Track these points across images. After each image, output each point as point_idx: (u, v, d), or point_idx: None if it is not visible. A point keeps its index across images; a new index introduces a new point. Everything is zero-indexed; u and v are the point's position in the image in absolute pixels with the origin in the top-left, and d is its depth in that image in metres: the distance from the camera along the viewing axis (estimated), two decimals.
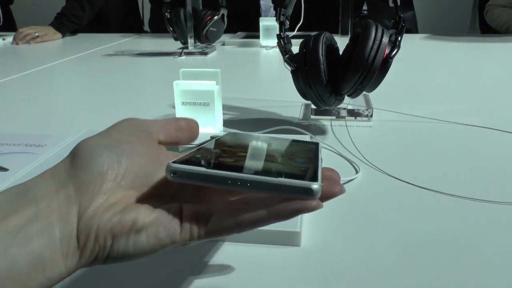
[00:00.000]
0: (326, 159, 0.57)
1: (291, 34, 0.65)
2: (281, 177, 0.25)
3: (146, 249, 0.24)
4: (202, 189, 0.28)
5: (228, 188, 0.26)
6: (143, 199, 0.26)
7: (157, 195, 0.27)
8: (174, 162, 0.26)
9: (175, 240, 0.25)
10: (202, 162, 0.27)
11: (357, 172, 0.53)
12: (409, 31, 1.68)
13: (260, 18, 1.44)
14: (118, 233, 0.24)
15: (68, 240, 0.23)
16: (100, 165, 0.25)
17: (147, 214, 0.25)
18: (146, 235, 0.24)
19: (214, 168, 0.26)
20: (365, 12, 1.60)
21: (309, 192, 0.24)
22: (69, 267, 0.23)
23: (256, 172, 0.26)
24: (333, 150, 0.59)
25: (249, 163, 0.29)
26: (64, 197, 0.24)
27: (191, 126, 0.33)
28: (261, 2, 1.97)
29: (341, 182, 0.26)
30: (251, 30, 1.66)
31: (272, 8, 2.14)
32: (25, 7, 2.25)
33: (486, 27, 1.75)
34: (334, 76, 0.59)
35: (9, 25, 1.76)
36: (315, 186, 0.25)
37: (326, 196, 0.26)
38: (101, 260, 0.24)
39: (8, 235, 0.21)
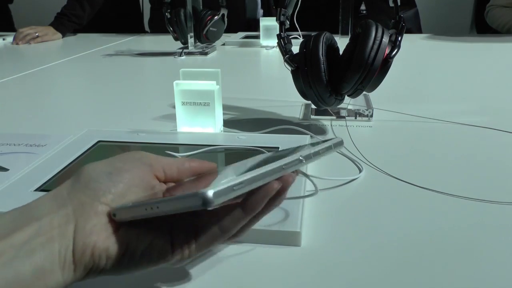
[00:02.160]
0: (328, 158, 0.57)
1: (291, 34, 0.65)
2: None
3: (139, 268, 0.27)
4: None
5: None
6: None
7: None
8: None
9: (167, 261, 0.28)
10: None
11: (360, 171, 0.53)
12: (409, 30, 1.68)
13: (260, 18, 1.44)
14: (113, 254, 0.26)
15: (65, 253, 0.25)
16: (98, 189, 0.28)
17: (141, 238, 0.27)
18: (140, 257, 0.27)
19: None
20: (364, 12, 1.60)
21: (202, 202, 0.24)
22: (66, 278, 0.25)
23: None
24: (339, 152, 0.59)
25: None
26: (63, 215, 0.26)
27: (195, 170, 0.34)
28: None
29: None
30: (240, 29, 1.67)
31: (259, 6, 2.09)
32: (24, 7, 2.25)
33: (483, 27, 1.75)
34: (334, 76, 0.59)
35: (8, 25, 1.76)
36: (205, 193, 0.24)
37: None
38: (95, 273, 0.26)
39: (14, 248, 0.24)
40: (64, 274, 0.25)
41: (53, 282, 0.25)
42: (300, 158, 0.29)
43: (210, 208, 0.24)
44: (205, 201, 0.23)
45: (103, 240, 0.26)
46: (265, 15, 1.96)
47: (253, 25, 1.90)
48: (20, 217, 0.26)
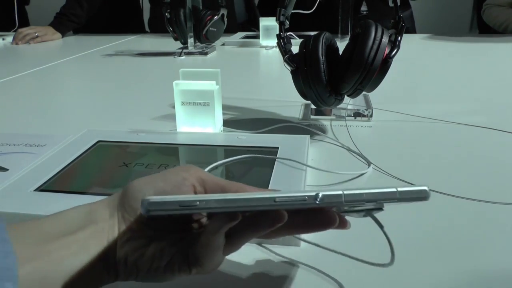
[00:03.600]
0: (335, 154, 0.57)
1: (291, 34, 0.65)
2: None
3: (164, 280, 0.30)
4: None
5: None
6: (164, 236, 0.31)
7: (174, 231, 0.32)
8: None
9: (187, 274, 0.30)
10: None
11: (369, 165, 0.53)
12: (407, 30, 1.68)
13: (260, 18, 1.44)
14: (140, 267, 0.29)
15: (110, 256, 0.30)
16: (137, 209, 0.31)
17: (164, 254, 0.30)
18: (164, 270, 0.30)
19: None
20: (365, 12, 1.59)
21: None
22: (111, 278, 0.30)
23: None
24: (341, 145, 0.59)
25: None
26: (112, 224, 0.30)
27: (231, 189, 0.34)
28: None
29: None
30: (232, 32, 1.67)
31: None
32: (41, 7, 2.24)
33: (485, 27, 1.75)
34: (334, 76, 0.59)
35: (24, 26, 1.76)
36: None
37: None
38: (126, 278, 0.30)
39: (77, 243, 0.29)
40: (111, 276, 0.30)
41: (100, 281, 0.30)
42: (310, 199, 0.25)
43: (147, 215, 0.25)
44: (145, 209, 0.25)
45: (132, 253, 0.29)
46: (249, 18, 1.96)
47: (241, 28, 1.90)
48: (83, 218, 0.30)
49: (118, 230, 0.30)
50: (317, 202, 0.25)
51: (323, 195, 0.25)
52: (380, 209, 0.30)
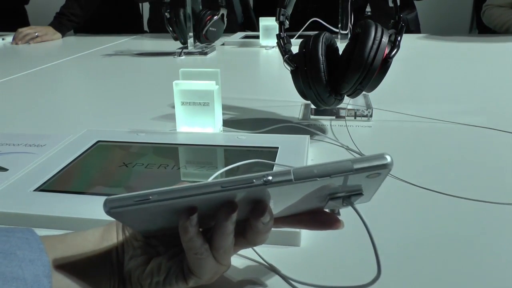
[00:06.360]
0: (335, 155, 0.57)
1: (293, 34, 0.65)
2: None
3: None
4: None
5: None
6: (164, 252, 0.33)
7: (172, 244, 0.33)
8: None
9: (185, 286, 0.31)
10: None
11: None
12: (413, 32, 1.67)
13: (260, 18, 1.44)
14: (142, 282, 0.32)
15: (120, 274, 0.32)
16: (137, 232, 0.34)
17: (161, 269, 0.31)
18: (163, 284, 0.31)
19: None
20: (369, 13, 1.59)
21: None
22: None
23: None
24: (341, 145, 0.59)
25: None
26: (120, 243, 0.33)
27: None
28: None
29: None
30: (231, 31, 1.66)
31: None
32: (40, 7, 2.24)
33: (484, 27, 1.74)
34: (334, 76, 0.59)
35: (24, 25, 1.76)
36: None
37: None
38: None
39: (92, 259, 0.32)
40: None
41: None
42: (258, 181, 0.24)
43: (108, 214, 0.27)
44: (106, 207, 0.26)
45: (135, 270, 0.32)
46: (245, 21, 1.96)
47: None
48: (98, 237, 0.33)
49: (123, 249, 0.33)
50: (263, 180, 0.24)
51: (272, 175, 0.24)
52: (360, 194, 0.28)
